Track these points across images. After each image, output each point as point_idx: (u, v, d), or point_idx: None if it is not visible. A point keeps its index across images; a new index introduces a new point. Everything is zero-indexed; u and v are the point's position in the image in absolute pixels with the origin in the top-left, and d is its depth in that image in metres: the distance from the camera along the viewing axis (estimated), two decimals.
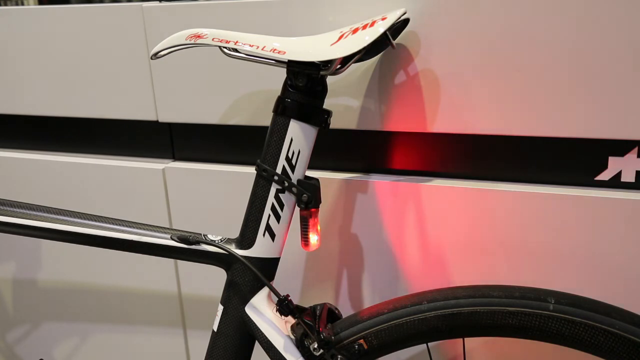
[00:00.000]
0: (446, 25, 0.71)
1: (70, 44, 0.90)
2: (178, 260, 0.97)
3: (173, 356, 1.03)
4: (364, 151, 0.83)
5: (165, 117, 0.90)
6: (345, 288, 0.87)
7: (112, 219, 0.70)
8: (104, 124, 0.97)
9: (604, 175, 0.73)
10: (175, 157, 0.95)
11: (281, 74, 0.64)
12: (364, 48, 0.58)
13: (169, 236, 0.67)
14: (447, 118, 0.75)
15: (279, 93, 0.64)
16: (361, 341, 0.63)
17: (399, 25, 0.70)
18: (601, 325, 0.57)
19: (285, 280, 0.90)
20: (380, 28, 0.60)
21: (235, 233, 0.69)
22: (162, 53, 0.65)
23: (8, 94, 0.97)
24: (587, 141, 0.72)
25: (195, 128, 0.91)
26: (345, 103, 0.79)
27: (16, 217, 0.69)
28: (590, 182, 0.74)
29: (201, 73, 0.85)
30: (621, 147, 0.71)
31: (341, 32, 0.62)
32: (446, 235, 0.79)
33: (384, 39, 0.63)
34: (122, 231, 0.68)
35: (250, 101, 0.84)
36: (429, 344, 0.72)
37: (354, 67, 0.77)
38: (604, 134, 0.69)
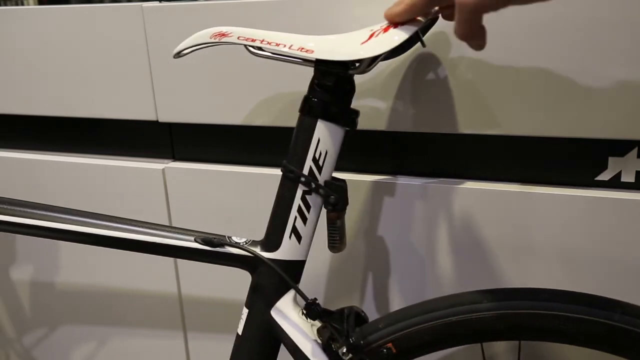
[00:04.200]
0: None
1: (70, 44, 0.90)
2: (178, 261, 0.96)
3: (173, 357, 1.03)
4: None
5: (165, 117, 0.89)
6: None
7: (136, 221, 0.68)
8: (104, 124, 0.97)
9: (604, 175, 0.73)
10: (175, 157, 0.95)
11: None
12: (396, 47, 0.57)
13: (192, 238, 0.66)
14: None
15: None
16: (389, 345, 0.61)
17: (428, 23, 0.69)
18: None
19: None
20: (413, 26, 0.58)
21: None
22: (185, 52, 0.64)
23: (8, 94, 0.97)
24: (587, 141, 0.72)
25: (195, 128, 0.91)
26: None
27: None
28: (590, 182, 0.74)
29: (201, 73, 0.85)
30: (621, 147, 0.71)
31: (371, 30, 0.60)
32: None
33: (414, 37, 0.61)
34: (146, 233, 0.66)
35: (250, 101, 0.84)
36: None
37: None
38: (604, 134, 0.69)
